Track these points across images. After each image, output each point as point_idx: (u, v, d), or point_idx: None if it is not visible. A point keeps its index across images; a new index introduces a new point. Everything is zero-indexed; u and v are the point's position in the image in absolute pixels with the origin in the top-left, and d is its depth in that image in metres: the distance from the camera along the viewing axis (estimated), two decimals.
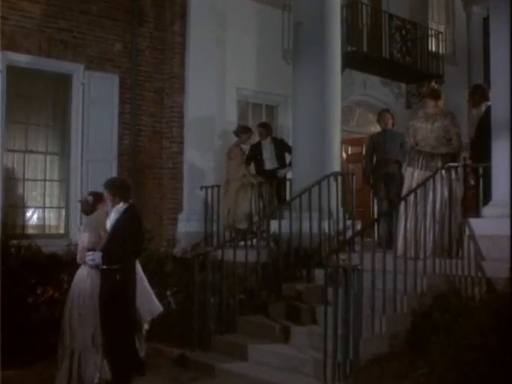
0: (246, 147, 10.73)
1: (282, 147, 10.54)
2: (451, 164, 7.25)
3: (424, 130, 7.57)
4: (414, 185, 7.38)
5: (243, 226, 9.68)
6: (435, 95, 7.66)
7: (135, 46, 10.61)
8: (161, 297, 8.33)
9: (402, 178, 8.59)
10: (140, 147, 10.68)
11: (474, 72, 16.82)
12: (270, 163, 10.47)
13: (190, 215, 10.69)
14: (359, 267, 5.60)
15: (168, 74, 10.96)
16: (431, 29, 15.16)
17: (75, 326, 6.34)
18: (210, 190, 10.40)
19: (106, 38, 10.31)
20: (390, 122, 9.94)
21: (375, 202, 10.26)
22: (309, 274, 8.00)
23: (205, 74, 10.90)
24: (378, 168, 9.75)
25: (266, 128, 10.69)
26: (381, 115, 10.09)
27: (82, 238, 6.59)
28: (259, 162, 10.54)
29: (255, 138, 11.13)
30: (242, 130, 10.31)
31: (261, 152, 10.52)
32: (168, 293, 8.32)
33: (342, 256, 5.57)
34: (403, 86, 15.05)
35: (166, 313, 7.97)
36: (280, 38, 12.23)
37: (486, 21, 17.76)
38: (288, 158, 10.37)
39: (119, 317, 6.23)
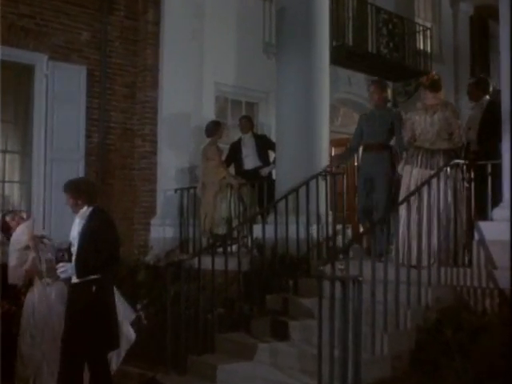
0: (224, 146, 9.90)
1: (264, 144, 9.72)
2: (458, 161, 6.49)
3: (423, 123, 6.81)
4: (412, 184, 6.63)
5: (222, 231, 8.91)
6: (436, 87, 6.90)
7: (104, 35, 9.76)
8: None
9: (394, 169, 7.34)
10: (110, 146, 9.83)
11: (460, 71, 16.25)
12: (251, 161, 9.65)
13: (164, 220, 9.88)
14: (359, 278, 4.79)
15: (140, 67, 10.13)
16: (418, 24, 14.45)
17: (26, 351, 5.49)
18: (185, 193, 9.65)
19: (72, 26, 9.44)
20: (379, 96, 7.83)
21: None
22: (296, 284, 7.18)
23: (180, 67, 10.06)
24: (362, 156, 7.99)
25: (247, 121, 9.91)
26: (369, 88, 8.21)
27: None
28: (239, 161, 9.72)
29: (233, 137, 10.38)
30: (214, 127, 9.39)
31: (241, 150, 9.71)
32: (138, 306, 7.46)
33: (340, 265, 4.76)
34: (389, 84, 14.33)
35: (136, 328, 7.17)
36: (261, 31, 11.57)
37: (472, 19, 17.24)
38: (272, 155, 9.57)
39: (97, 335, 5.34)
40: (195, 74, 10.34)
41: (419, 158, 6.77)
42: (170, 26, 10.08)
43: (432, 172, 6.54)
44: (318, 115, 8.42)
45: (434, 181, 6.39)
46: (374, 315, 5.37)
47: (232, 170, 9.80)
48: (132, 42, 10.11)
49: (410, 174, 6.79)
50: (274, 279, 7.27)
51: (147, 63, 10.08)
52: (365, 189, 7.61)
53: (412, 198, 6.31)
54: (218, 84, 10.89)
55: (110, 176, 9.77)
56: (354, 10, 12.59)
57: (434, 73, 7.31)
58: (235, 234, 7.90)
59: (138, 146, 10.07)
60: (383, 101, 7.88)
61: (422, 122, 6.81)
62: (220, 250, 7.56)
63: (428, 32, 14.62)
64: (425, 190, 6.28)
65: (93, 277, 5.31)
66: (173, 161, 9.97)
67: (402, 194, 6.58)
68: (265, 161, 9.68)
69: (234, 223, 8.85)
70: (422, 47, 14.37)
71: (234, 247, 8.04)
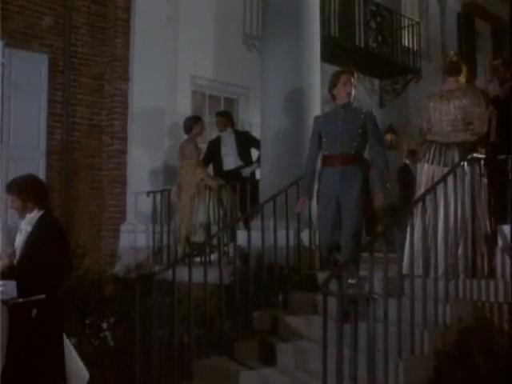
0: (201, 146, 8.99)
1: (246, 141, 8.83)
2: (477, 155, 5.59)
3: (438, 111, 5.91)
4: (423, 184, 5.75)
5: (200, 238, 8.01)
6: (455, 70, 5.99)
7: (69, 21, 8.75)
8: (95, 329, 6.57)
9: (370, 189, 5.68)
10: (74, 144, 8.81)
11: None
12: (231, 161, 8.75)
13: (135, 226, 8.91)
14: (375, 296, 3.86)
15: (109, 57, 9.13)
16: (408, 18, 13.63)
17: None
18: (159, 196, 8.69)
19: (32, 9, 8.41)
20: (350, 91, 5.78)
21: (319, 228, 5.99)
22: (286, 298, 6.26)
23: (153, 57, 9.14)
24: (323, 173, 5.82)
25: (225, 116, 9.00)
26: (333, 78, 5.87)
27: None
28: (219, 161, 8.82)
29: (211, 136, 9.48)
30: (193, 121, 8.46)
31: (219, 148, 8.82)
32: (104, 325, 6.50)
33: (351, 280, 3.82)
34: (376, 82, 13.56)
35: (101, 352, 6.22)
36: (241, 21, 10.75)
37: (459, 17, 16.57)
38: (255, 154, 8.68)
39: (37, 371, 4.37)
40: (169, 65, 9.48)
41: (432, 152, 5.88)
42: (142, 13, 9.14)
43: (446, 169, 5.67)
44: (308, 109, 7.51)
45: (450, 179, 5.52)
46: (387, 338, 4.44)
47: (210, 170, 8.94)
48: (99, 30, 9.12)
49: (422, 172, 5.92)
50: (260, 293, 6.32)
51: (116, 53, 9.10)
52: (330, 216, 5.64)
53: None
54: (194, 77, 9.99)
55: (75, 177, 8.77)
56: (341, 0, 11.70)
57: (452, 53, 6.36)
58: (215, 241, 6.96)
59: (106, 143, 9.08)
60: (351, 97, 5.82)
61: (436, 110, 5.93)
62: (198, 259, 6.71)
63: (417, 28, 13.82)
64: (441, 189, 5.36)
65: (36, 297, 4.33)
66: (145, 161, 9.04)
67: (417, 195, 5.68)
68: (247, 160, 8.79)
69: (214, 229, 7.97)
70: (409, 43, 13.58)
71: (214, 256, 7.13)
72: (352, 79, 5.85)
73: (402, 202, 10.18)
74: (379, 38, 12.19)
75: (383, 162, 5.66)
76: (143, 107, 9.06)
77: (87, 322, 6.60)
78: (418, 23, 13.74)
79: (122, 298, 6.93)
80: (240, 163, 8.73)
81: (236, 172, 8.64)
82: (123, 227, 8.97)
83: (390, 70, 13.00)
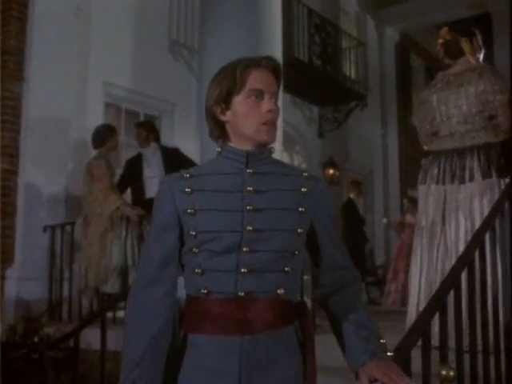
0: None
1: (176, 160, 7.06)
2: None
3: (444, 105, 4.18)
4: (431, 212, 4.07)
5: (113, 288, 6.38)
6: (458, 49, 4.28)
7: None
8: None
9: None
10: None
11: (388, 101, 14.55)
12: (156, 185, 6.89)
13: (26, 271, 7.05)
14: None
15: None
16: (354, 38, 12.29)
17: None
18: (59, 231, 7.07)
19: None
20: (268, 115, 1.92)
21: None
22: None
23: (57, 54, 7.36)
24: (190, 345, 1.85)
25: (147, 127, 7.26)
26: (223, 84, 1.96)
27: None
28: (140, 185, 7.05)
29: (128, 157, 7.76)
30: (105, 133, 6.77)
31: (141, 169, 7.02)
32: None
33: (445, 370, 1.93)
34: (315, 109, 12.06)
35: None
36: (167, 23, 9.19)
37: (397, 47, 15.57)
38: None
39: None
40: (77, 66, 7.78)
41: (440, 167, 4.15)
42: None
43: (463, 188, 3.98)
44: None
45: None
46: None
47: (128, 197, 7.22)
48: None
49: (427, 195, 4.18)
50: None
51: (9, 44, 7.23)
52: None
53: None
54: (107, 85, 8.21)
55: None
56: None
57: (445, 30, 4.54)
58: None
59: None
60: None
61: (441, 104, 4.19)
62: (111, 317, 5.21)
63: (361, 50, 12.50)
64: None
65: None
66: (42, 185, 7.23)
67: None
68: None
69: (133, 275, 6.24)
70: (354, 66, 12.23)
71: None
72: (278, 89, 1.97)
73: (348, 241, 8.81)
74: (324, 55, 10.68)
75: (364, 311, 2.00)
76: (41, 117, 7.26)
77: None
78: (362, 44, 12.38)
79: (4, 374, 4.89)
80: None
81: None
82: (10, 272, 7.09)
83: (333, 95, 11.55)
